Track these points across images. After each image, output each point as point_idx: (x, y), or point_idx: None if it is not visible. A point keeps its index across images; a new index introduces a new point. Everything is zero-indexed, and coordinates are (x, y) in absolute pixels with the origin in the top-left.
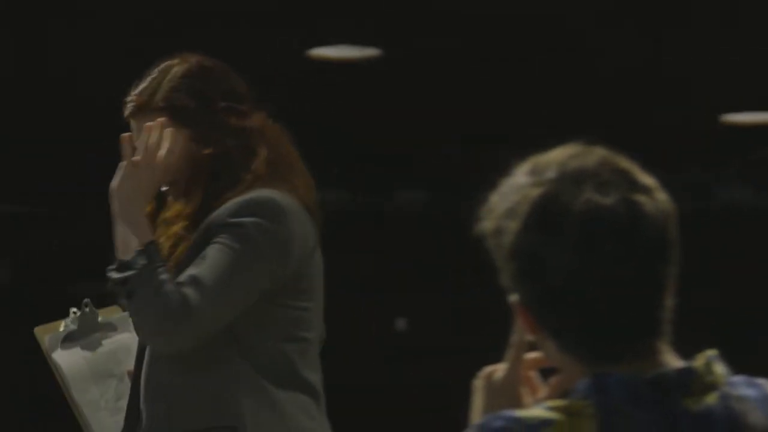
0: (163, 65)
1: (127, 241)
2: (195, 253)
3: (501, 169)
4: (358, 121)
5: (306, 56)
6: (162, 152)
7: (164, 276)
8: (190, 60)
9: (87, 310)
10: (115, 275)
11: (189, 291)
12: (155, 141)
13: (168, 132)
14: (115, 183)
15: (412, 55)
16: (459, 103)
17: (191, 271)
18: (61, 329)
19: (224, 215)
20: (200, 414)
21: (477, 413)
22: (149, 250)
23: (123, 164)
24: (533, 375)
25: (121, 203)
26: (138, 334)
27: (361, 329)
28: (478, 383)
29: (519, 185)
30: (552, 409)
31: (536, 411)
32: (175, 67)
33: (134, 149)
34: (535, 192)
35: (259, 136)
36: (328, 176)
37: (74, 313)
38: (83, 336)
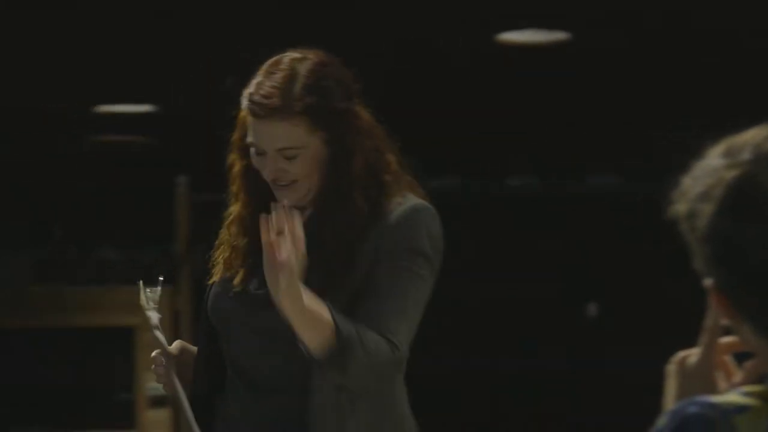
0: (281, 62)
1: (310, 327)
2: (374, 269)
3: (694, 152)
4: (546, 105)
5: (494, 41)
6: (299, 232)
7: (367, 335)
8: (310, 56)
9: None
10: (329, 365)
11: (393, 329)
12: (297, 229)
13: (295, 213)
14: (276, 287)
15: (601, 38)
16: (647, 87)
17: (388, 304)
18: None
19: (398, 233)
20: None
21: (670, 398)
22: (341, 324)
23: (282, 267)
24: (728, 359)
25: (291, 304)
26: (350, 382)
27: (552, 314)
28: (672, 368)
29: (713, 168)
30: (748, 394)
31: (731, 396)
32: (297, 64)
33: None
34: (730, 174)
35: (375, 134)
36: (517, 162)
37: (142, 287)
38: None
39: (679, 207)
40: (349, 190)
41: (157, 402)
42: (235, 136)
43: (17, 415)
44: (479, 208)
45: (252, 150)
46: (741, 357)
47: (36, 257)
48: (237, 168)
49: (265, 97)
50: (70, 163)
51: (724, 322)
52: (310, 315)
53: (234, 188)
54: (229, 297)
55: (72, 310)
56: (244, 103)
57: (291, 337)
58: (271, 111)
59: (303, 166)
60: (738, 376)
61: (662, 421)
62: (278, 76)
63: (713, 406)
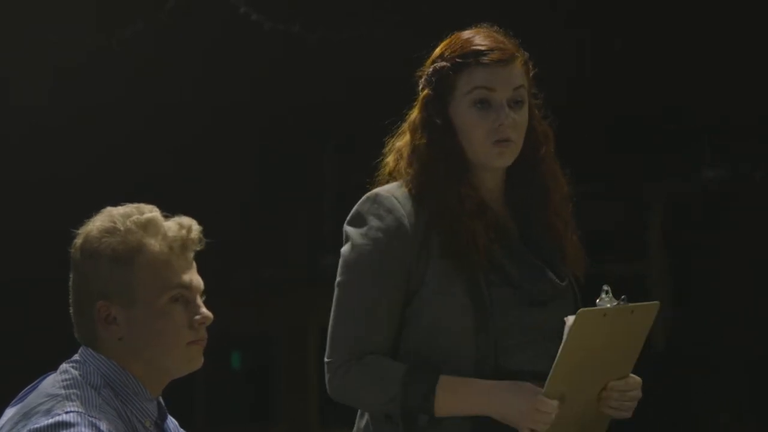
0: (480, 29)
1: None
2: None
3: None
4: None
5: None
6: None
7: None
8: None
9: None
10: None
11: None
12: None
13: None
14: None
15: None
16: None
17: None
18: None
19: None
20: None
21: None
22: None
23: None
24: None
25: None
26: None
27: None
28: None
29: None
30: None
31: None
32: (493, 31)
33: None
34: None
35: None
36: None
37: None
38: None
39: None
40: (548, 155)
41: None
42: (416, 114)
43: None
44: None
45: (467, 105)
46: None
47: None
48: (422, 145)
49: (500, 45)
50: None
51: None
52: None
53: (417, 168)
54: None
55: None
56: (469, 56)
57: None
58: (510, 56)
59: (524, 117)
60: None
61: None
62: (491, 33)
63: None
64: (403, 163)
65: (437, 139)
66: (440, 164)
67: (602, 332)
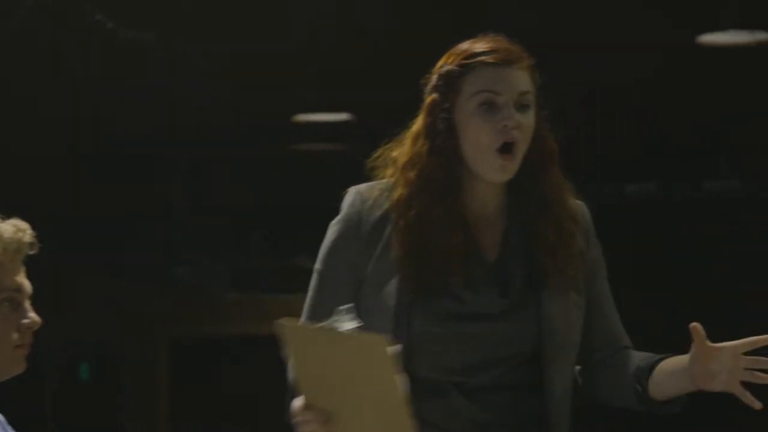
0: (487, 35)
1: None
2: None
3: None
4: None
5: (695, 43)
6: None
7: None
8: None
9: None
10: None
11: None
12: None
13: None
14: None
15: None
16: None
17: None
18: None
19: (594, 237)
20: None
21: None
22: None
23: None
24: None
25: None
26: None
27: None
28: None
29: None
30: None
31: None
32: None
33: None
34: None
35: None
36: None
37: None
38: None
39: None
40: (554, 169)
41: None
42: (419, 122)
43: (225, 418)
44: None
45: (473, 107)
46: None
47: (234, 266)
48: (423, 152)
49: (505, 46)
50: (269, 173)
51: None
52: None
53: (412, 175)
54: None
55: (271, 318)
56: (474, 56)
57: None
58: (516, 57)
59: (530, 121)
60: None
61: None
62: (494, 37)
63: None
64: (394, 170)
65: (439, 145)
66: (438, 173)
67: (324, 354)
